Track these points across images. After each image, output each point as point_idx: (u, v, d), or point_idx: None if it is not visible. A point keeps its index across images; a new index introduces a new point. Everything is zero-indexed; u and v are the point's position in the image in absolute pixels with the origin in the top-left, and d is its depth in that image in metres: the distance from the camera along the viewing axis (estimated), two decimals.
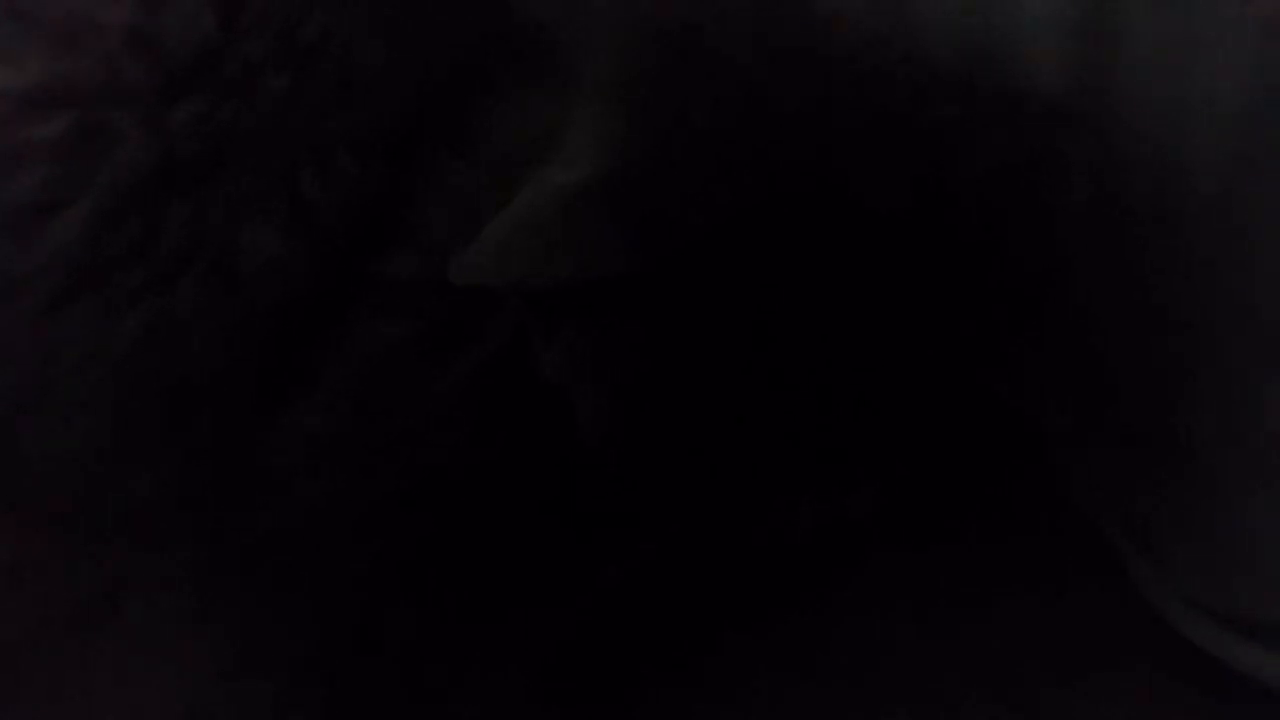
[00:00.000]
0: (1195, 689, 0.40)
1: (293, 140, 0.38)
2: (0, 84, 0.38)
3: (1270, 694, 0.38)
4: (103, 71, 0.38)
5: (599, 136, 0.34)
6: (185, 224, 0.38)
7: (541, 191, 0.32)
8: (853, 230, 0.33)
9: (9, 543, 0.41)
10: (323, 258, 0.38)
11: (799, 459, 0.36)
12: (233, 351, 0.38)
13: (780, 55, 0.35)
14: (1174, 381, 0.37)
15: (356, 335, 0.38)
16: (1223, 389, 0.36)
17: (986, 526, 0.43)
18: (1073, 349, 0.40)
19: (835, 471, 0.38)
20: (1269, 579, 0.38)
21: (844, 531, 0.39)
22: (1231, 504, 0.37)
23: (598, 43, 0.36)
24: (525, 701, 0.39)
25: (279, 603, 0.39)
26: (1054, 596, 0.42)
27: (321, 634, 0.39)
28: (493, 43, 0.39)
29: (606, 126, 0.34)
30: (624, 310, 0.34)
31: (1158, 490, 0.39)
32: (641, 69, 0.35)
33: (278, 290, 0.38)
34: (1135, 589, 0.42)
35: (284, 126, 0.38)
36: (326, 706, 0.39)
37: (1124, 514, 0.41)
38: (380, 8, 0.40)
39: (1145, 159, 0.34)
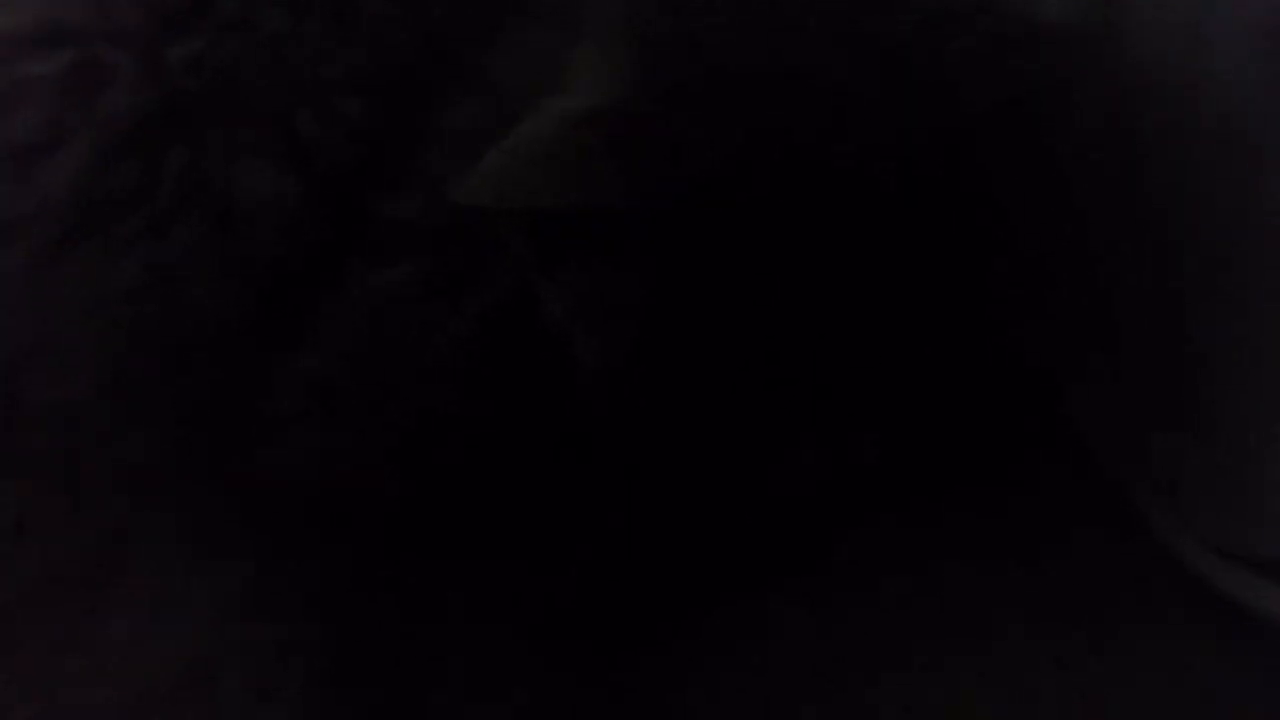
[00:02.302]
0: (1228, 638, 0.39)
1: (291, 80, 0.38)
2: None
3: None
4: (98, 11, 0.38)
5: (602, 69, 0.33)
6: (184, 165, 0.37)
7: (543, 119, 0.32)
8: (860, 168, 0.32)
9: (13, 498, 0.41)
10: (322, 199, 0.37)
11: (801, 404, 0.35)
12: (232, 295, 0.38)
13: None
14: (1189, 312, 0.36)
15: (357, 278, 0.37)
16: (1237, 317, 0.35)
17: (1005, 480, 0.42)
18: (1085, 286, 0.39)
19: (839, 416, 0.37)
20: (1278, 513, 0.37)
21: (850, 480, 0.38)
22: (1253, 438, 0.36)
23: None
24: (519, 654, 0.39)
25: (279, 549, 0.39)
26: (1079, 550, 0.41)
27: (322, 580, 0.39)
28: None
29: (610, 60, 0.33)
30: (626, 249, 0.33)
31: (1178, 429, 0.39)
32: (652, 6, 0.34)
33: (276, 232, 0.37)
34: (1159, 540, 0.41)
35: (282, 66, 0.38)
36: (327, 651, 0.39)
37: (1144, 459, 0.41)
38: None
39: (1157, 83, 0.33)
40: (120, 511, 0.41)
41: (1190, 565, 0.39)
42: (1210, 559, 0.39)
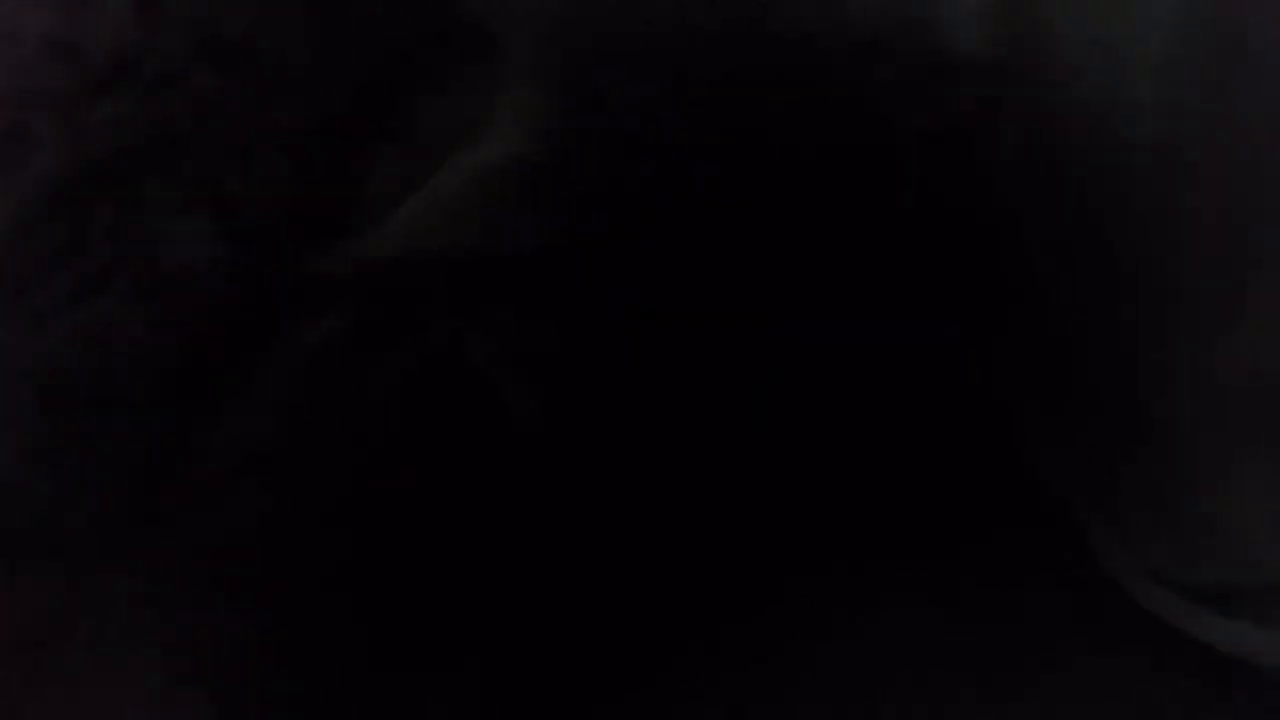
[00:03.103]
0: (1185, 674, 0.38)
1: (218, 139, 0.37)
2: None
3: (1248, 670, 0.37)
4: (19, 78, 0.37)
5: (522, 117, 0.33)
6: (109, 227, 0.37)
7: (457, 169, 0.32)
8: (787, 205, 0.32)
9: None
10: (251, 257, 0.37)
11: (736, 449, 0.35)
12: (162, 358, 0.37)
13: (708, 33, 0.34)
14: (1127, 340, 0.36)
15: (288, 335, 0.37)
16: (1175, 345, 0.35)
17: (956, 517, 0.42)
18: (1023, 313, 0.39)
19: (775, 463, 0.36)
20: (1232, 544, 0.36)
21: (790, 525, 0.38)
22: (1193, 464, 0.36)
23: (527, 26, 0.35)
24: (481, 704, 0.38)
25: (224, 616, 0.38)
26: (1033, 586, 0.41)
27: (269, 645, 0.38)
28: (426, 32, 0.38)
29: (531, 107, 0.33)
30: (546, 295, 0.33)
31: (1121, 456, 0.38)
32: (568, 49, 0.34)
33: (206, 293, 0.37)
34: (1108, 572, 0.40)
35: (209, 125, 0.37)
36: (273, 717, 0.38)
37: (1090, 485, 0.40)
38: (309, 2, 0.39)
39: (1079, 111, 0.33)
40: (60, 582, 0.40)
41: (1139, 596, 0.39)
42: (1156, 589, 0.38)
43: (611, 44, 0.33)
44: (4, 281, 0.37)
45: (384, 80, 0.38)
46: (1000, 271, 0.38)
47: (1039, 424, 0.41)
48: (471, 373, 0.35)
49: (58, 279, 0.37)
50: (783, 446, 0.37)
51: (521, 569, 0.38)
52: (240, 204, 0.37)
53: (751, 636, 0.40)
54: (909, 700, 0.39)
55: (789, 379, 0.35)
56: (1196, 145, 0.32)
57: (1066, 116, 0.33)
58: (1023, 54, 0.33)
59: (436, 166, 0.34)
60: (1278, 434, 0.34)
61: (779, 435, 0.36)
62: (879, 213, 0.33)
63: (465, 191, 0.31)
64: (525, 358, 0.33)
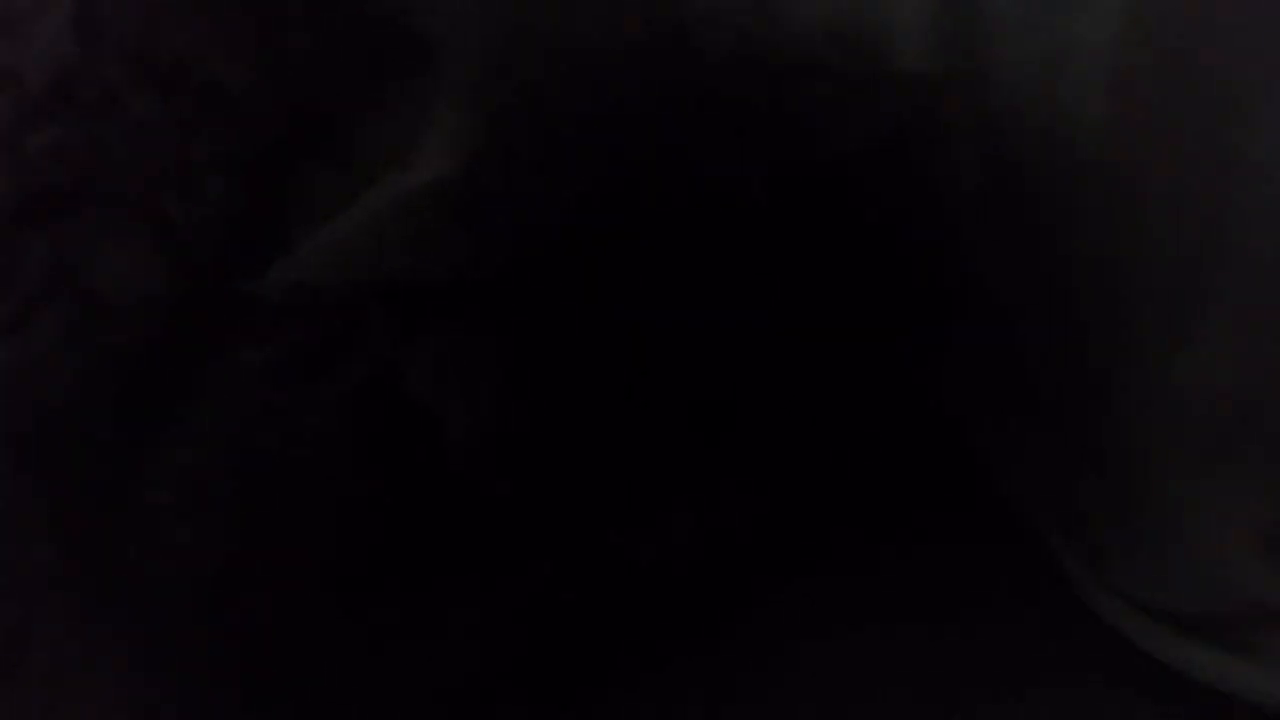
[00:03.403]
0: (1153, 699, 0.37)
1: (156, 164, 0.37)
2: None
3: (1217, 696, 0.36)
4: None
5: (450, 139, 0.32)
6: (45, 256, 0.36)
7: (383, 193, 0.31)
8: (720, 223, 0.32)
9: None
10: (189, 283, 0.37)
11: (674, 470, 0.34)
12: (99, 388, 0.37)
13: (639, 51, 0.33)
14: (1083, 359, 0.35)
15: (226, 362, 0.36)
16: (1131, 364, 0.34)
17: (918, 536, 0.41)
18: (980, 331, 0.38)
19: (724, 481, 0.36)
20: (1199, 567, 0.35)
21: (745, 545, 0.37)
22: (1155, 485, 0.35)
23: (457, 43, 0.35)
24: None
25: (180, 642, 0.38)
26: (998, 607, 0.40)
27: (225, 671, 0.37)
28: (362, 53, 0.37)
29: (459, 129, 0.32)
30: (478, 315, 0.32)
31: (1087, 478, 0.37)
32: (497, 70, 0.34)
33: (144, 321, 0.36)
34: (1079, 597, 0.39)
35: (146, 150, 0.37)
36: None
37: (1057, 507, 0.39)
38: (245, 26, 0.39)
39: (1024, 121, 0.32)
40: (14, 612, 0.40)
41: (1111, 623, 0.38)
42: (1131, 616, 0.37)
43: (541, 63, 0.33)
44: None
45: (321, 102, 0.37)
46: (951, 286, 0.37)
47: (1000, 443, 0.40)
48: (408, 398, 0.34)
49: None
50: (732, 464, 0.36)
51: (471, 589, 0.37)
52: (180, 229, 0.36)
53: (707, 660, 0.39)
54: None
55: (737, 396, 0.34)
56: (1147, 159, 0.31)
57: (1014, 131, 0.33)
58: (965, 63, 0.33)
59: (370, 187, 0.33)
60: (1237, 456, 0.33)
61: (728, 452, 0.36)
62: (817, 229, 0.32)
63: (391, 215, 0.31)
64: (460, 378, 0.33)
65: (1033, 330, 0.37)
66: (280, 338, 0.35)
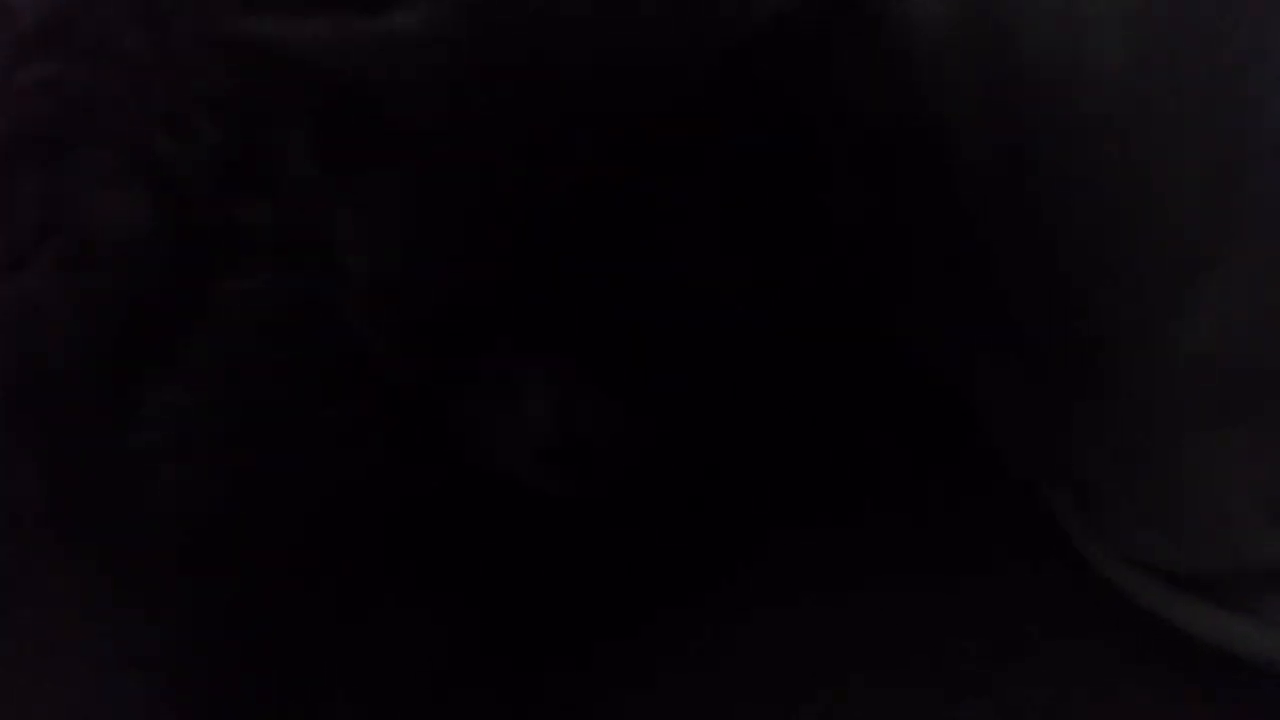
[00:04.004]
0: (1153, 659, 0.37)
1: (149, 103, 0.37)
2: None
3: (1227, 658, 0.35)
4: None
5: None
6: (39, 194, 0.36)
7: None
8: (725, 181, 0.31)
9: None
10: (181, 222, 0.36)
11: (685, 434, 0.34)
12: (92, 330, 0.36)
13: None
14: (1091, 314, 0.34)
15: (217, 301, 0.36)
16: (1137, 315, 0.33)
17: (922, 494, 0.40)
18: (984, 290, 0.37)
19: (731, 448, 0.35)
20: (1202, 524, 0.35)
21: (754, 505, 0.37)
22: (1161, 441, 0.34)
23: None
24: (417, 695, 0.37)
25: (153, 598, 0.37)
26: (1001, 570, 0.39)
27: (200, 626, 0.37)
28: None
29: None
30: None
31: (1091, 437, 0.37)
32: None
33: (137, 259, 0.36)
34: (1079, 553, 0.39)
35: (139, 89, 0.37)
36: (201, 704, 0.37)
37: (1060, 469, 0.39)
38: None
39: (1034, 71, 0.31)
40: (11, 553, 0.40)
41: (1110, 580, 0.37)
42: (1129, 573, 0.37)
43: None
44: None
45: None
46: (952, 241, 0.36)
47: (1004, 409, 0.39)
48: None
49: None
50: (739, 430, 0.36)
51: (464, 553, 0.37)
52: (171, 168, 0.36)
53: (718, 616, 0.39)
54: (874, 682, 0.38)
55: (726, 353, 0.34)
56: (1152, 109, 0.30)
57: (1026, 80, 0.32)
58: (982, 20, 0.32)
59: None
60: (1242, 418, 0.33)
61: (734, 419, 0.35)
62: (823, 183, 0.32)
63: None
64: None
65: (1039, 290, 0.36)
66: (273, 267, 0.35)
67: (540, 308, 0.31)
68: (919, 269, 0.38)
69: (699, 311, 0.32)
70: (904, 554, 0.40)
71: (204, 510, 0.36)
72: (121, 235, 0.36)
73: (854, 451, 0.40)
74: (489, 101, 0.31)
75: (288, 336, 0.35)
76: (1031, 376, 0.37)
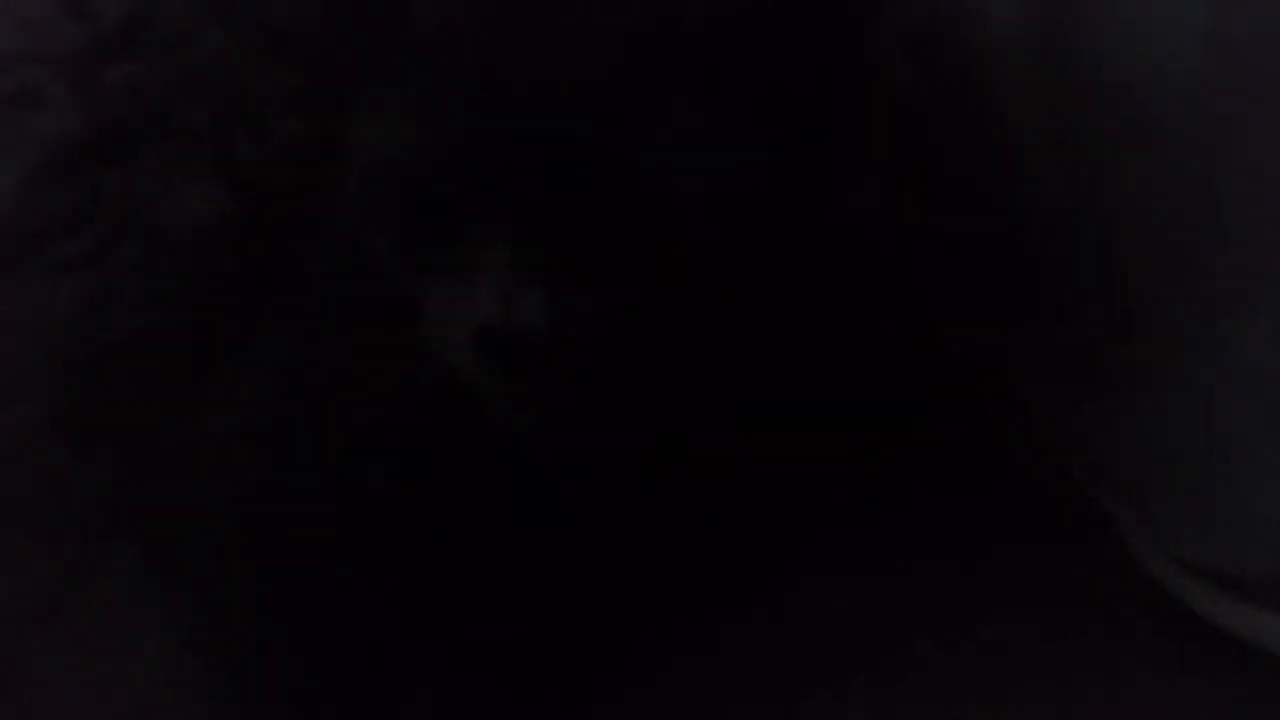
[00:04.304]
0: (1191, 648, 0.37)
1: (229, 101, 0.37)
2: None
3: (1266, 656, 0.36)
4: (31, 37, 0.37)
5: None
6: (119, 190, 0.37)
7: None
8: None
9: None
10: (259, 219, 0.37)
11: (735, 422, 0.34)
12: (169, 322, 0.37)
13: None
14: (1152, 319, 0.35)
15: (293, 295, 0.36)
16: (1204, 325, 0.33)
17: (965, 486, 0.41)
18: (1042, 295, 0.37)
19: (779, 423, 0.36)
20: (1264, 533, 0.35)
21: (792, 492, 0.37)
22: (1223, 451, 0.35)
23: None
24: (479, 686, 0.38)
25: (224, 586, 0.38)
26: (1042, 556, 0.40)
27: (267, 615, 0.38)
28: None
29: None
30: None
31: (1146, 444, 0.37)
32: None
33: (215, 255, 0.37)
34: (1125, 549, 0.39)
35: (220, 87, 0.37)
36: (275, 689, 0.37)
37: (1112, 472, 0.39)
38: None
39: (1101, 81, 0.32)
40: (70, 549, 0.40)
41: (1157, 577, 0.38)
42: (1177, 572, 0.37)
43: None
44: (13, 245, 0.37)
45: (373, 41, 0.37)
46: (1013, 248, 0.37)
47: (1053, 407, 0.40)
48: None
49: (67, 243, 0.37)
50: (790, 409, 0.36)
51: (514, 542, 0.37)
52: (250, 166, 0.37)
53: (759, 601, 0.39)
54: (915, 666, 0.38)
55: (798, 350, 0.34)
56: (1226, 118, 0.31)
57: (1095, 89, 0.32)
58: (1050, 22, 0.32)
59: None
60: None
61: (763, 390, 0.36)
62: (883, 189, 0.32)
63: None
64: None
65: (1097, 294, 0.36)
66: (351, 269, 0.35)
67: (516, 195, 0.32)
68: (965, 265, 0.38)
69: (681, 244, 0.32)
70: (951, 542, 0.40)
71: (270, 501, 0.37)
72: (199, 230, 0.37)
73: (894, 440, 0.40)
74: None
75: (358, 332, 0.36)
76: (1082, 378, 0.38)
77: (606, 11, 0.32)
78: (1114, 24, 0.31)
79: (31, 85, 0.37)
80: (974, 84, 0.35)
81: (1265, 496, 0.35)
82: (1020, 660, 0.38)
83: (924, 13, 0.34)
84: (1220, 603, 0.37)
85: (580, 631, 0.39)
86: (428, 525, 0.37)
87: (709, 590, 0.39)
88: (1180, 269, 0.34)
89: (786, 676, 0.38)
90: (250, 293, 0.37)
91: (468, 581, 0.38)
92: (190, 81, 0.37)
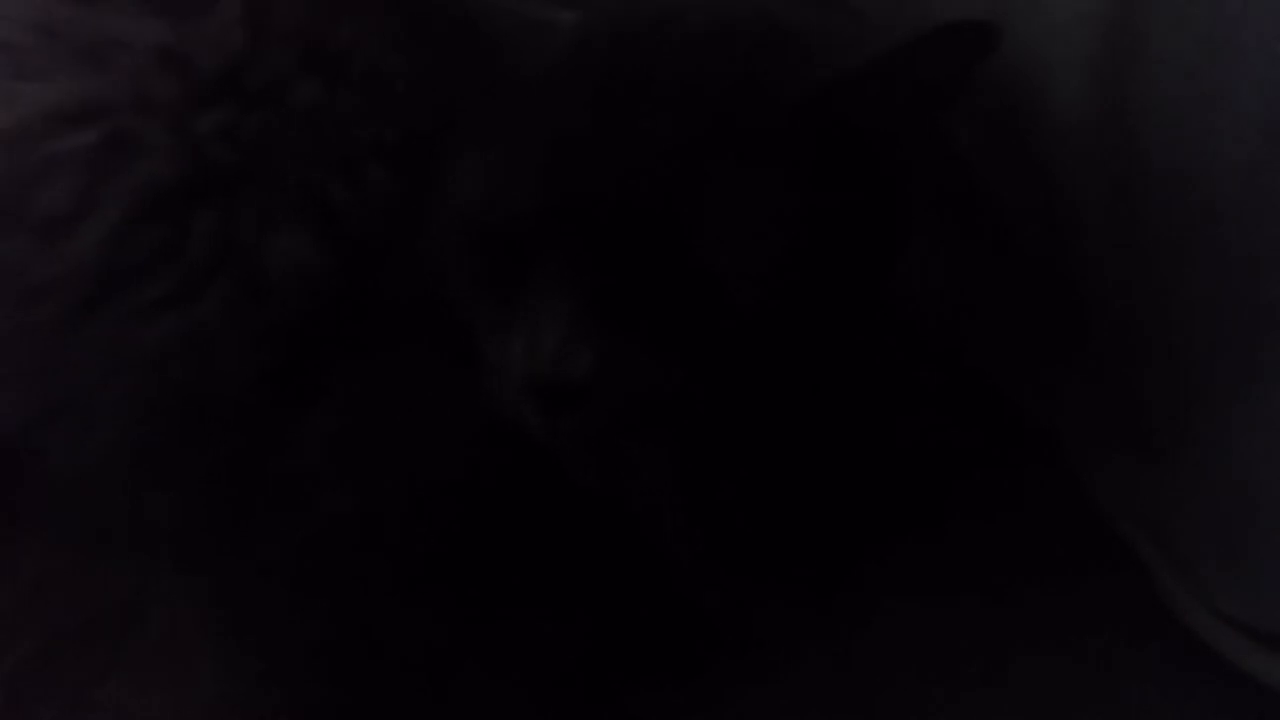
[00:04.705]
0: (1228, 707, 0.39)
1: (321, 149, 0.39)
2: (31, 99, 0.39)
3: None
4: (132, 86, 0.39)
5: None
6: (212, 232, 0.38)
7: None
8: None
9: (34, 557, 0.41)
10: (348, 264, 0.38)
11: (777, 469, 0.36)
12: (256, 360, 0.38)
13: None
14: (1200, 387, 0.36)
15: (377, 341, 0.38)
16: (1254, 396, 0.35)
17: (1001, 522, 0.42)
18: (1092, 356, 0.39)
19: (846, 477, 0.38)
20: None
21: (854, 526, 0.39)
22: (1263, 511, 0.36)
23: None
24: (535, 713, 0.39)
25: (294, 616, 0.39)
26: (1067, 587, 0.41)
27: (335, 645, 0.39)
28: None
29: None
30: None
31: (1188, 503, 0.39)
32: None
33: (303, 297, 0.38)
34: (1152, 587, 0.41)
35: (312, 135, 0.39)
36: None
37: (1151, 524, 0.41)
38: (405, 21, 0.41)
39: (1167, 163, 0.33)
40: (137, 575, 0.41)
41: (1191, 626, 0.39)
42: (1211, 622, 0.39)
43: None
44: (107, 282, 0.38)
45: (463, 93, 0.39)
46: (1072, 314, 0.39)
47: (1095, 456, 0.42)
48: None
49: (159, 281, 0.38)
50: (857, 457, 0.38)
51: (577, 577, 0.39)
52: (344, 213, 0.38)
53: (806, 628, 0.40)
54: (952, 702, 0.39)
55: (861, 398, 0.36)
56: (1269, 225, 0.32)
57: (1155, 168, 0.34)
58: (1114, 102, 0.34)
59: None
60: None
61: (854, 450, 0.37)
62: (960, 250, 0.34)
63: None
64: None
65: (1148, 358, 0.38)
66: (435, 321, 0.37)
67: (579, 253, 0.34)
68: (1021, 326, 0.40)
69: (728, 315, 0.34)
70: (980, 576, 0.42)
71: (348, 538, 0.38)
72: (291, 274, 0.38)
73: (934, 472, 0.42)
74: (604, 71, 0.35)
75: (431, 373, 0.38)
76: (1127, 435, 0.40)
77: (681, 88, 0.34)
78: (1174, 111, 0.33)
79: (130, 131, 0.38)
80: (1036, 160, 0.37)
81: None
82: (1051, 693, 0.40)
83: (988, 92, 0.36)
84: (1255, 654, 0.38)
85: (633, 660, 0.40)
86: (488, 556, 0.38)
87: (751, 623, 0.41)
88: (1229, 340, 0.35)
89: (826, 700, 0.40)
90: (333, 334, 0.38)
91: (526, 608, 0.39)
92: (284, 129, 0.39)
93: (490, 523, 0.38)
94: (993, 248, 0.40)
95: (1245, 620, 0.38)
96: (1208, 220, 0.33)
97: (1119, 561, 0.42)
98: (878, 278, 0.37)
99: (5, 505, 0.42)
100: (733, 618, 0.40)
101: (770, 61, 0.35)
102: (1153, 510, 0.41)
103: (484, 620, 0.39)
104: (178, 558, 0.41)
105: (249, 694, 0.39)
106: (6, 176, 0.38)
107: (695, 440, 0.37)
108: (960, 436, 0.42)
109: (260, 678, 0.39)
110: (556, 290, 0.34)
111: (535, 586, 0.39)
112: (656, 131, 0.34)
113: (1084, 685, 0.40)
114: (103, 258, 0.38)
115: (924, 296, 0.39)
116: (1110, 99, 0.34)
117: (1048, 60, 0.35)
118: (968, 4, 0.35)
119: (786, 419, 0.37)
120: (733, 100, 0.34)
